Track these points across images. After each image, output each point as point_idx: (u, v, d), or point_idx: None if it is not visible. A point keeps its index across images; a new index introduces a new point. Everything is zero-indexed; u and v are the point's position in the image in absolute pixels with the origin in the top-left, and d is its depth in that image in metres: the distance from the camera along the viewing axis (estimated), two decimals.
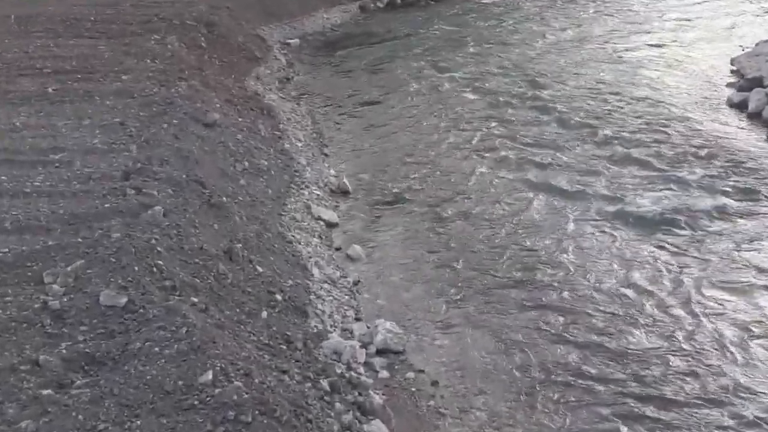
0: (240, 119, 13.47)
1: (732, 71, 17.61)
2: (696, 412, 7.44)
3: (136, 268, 7.24)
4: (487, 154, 13.83)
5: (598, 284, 9.60)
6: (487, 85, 17.78)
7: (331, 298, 9.23)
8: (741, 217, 11.13)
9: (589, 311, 9.05)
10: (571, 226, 11.08)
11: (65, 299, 6.80)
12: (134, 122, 11.25)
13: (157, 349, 6.23)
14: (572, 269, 9.93)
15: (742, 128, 14.44)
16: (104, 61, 14.15)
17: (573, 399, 7.68)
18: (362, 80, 18.88)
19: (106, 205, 8.61)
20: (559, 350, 8.40)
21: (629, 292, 9.40)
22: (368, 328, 8.69)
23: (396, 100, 17.14)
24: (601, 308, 9.10)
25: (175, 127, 11.26)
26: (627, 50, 20.17)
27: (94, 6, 18.65)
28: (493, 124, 15.26)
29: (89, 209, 8.50)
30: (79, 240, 7.77)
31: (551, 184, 12.49)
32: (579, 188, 12.28)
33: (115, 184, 9.19)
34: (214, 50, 16.96)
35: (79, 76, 13.14)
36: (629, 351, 8.33)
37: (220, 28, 18.16)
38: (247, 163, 11.60)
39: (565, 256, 10.28)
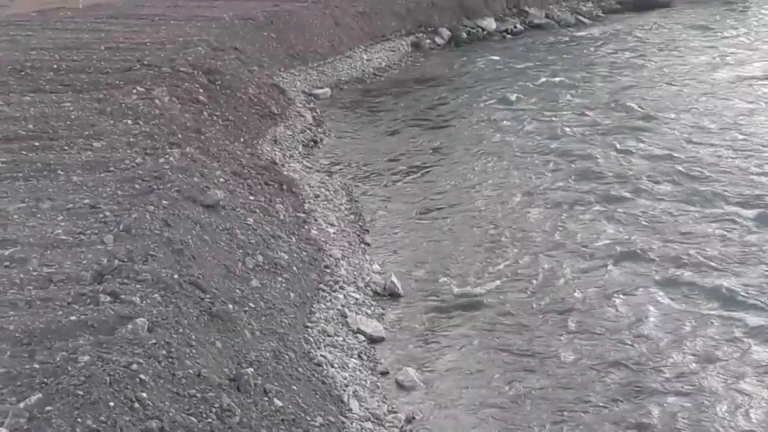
0: (251, 198, 13.63)
1: None
2: None
3: (112, 404, 7.25)
4: (585, 240, 13.86)
5: None
6: (585, 143, 18.00)
7: None
8: None
9: None
10: (721, 356, 10.77)
11: None
12: (110, 204, 11.40)
13: None
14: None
15: None
16: (70, 122, 14.47)
17: None
18: (414, 141, 19.13)
19: (72, 318, 8.66)
20: None
21: None
22: None
23: (458, 166, 17.35)
24: None
25: (165, 210, 11.39)
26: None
27: (58, 50, 19.26)
28: (594, 200, 15.43)
29: (49, 323, 8.57)
30: (35, 366, 7.81)
31: (684, 282, 12.40)
32: (730, 294, 12.12)
33: (84, 288, 9.27)
34: (216, 106, 17.30)
35: (37, 144, 13.42)
36: None
37: (224, 77, 18.57)
38: (260, 258, 11.68)
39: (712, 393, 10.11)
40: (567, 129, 19.62)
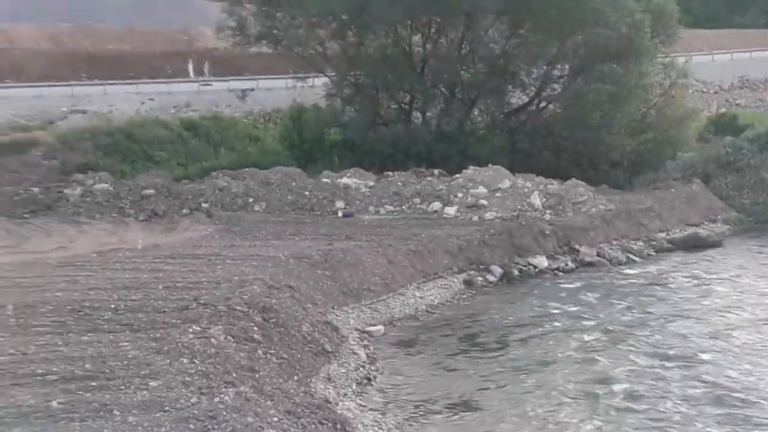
0: None
1: None
2: None
3: None
4: None
5: None
6: (640, 379, 17.87)
7: None
8: None
9: None
10: None
11: None
12: None
13: None
14: None
15: None
16: (127, 362, 14.61)
17: None
18: (467, 376, 19.03)
19: None
20: None
21: None
22: None
23: (512, 399, 17.31)
24: None
25: None
26: None
27: (116, 290, 19.62)
28: None
29: None
30: None
31: None
32: None
33: None
34: (271, 344, 17.36)
35: (94, 384, 13.51)
36: None
37: (279, 315, 18.72)
38: None
39: None
40: (620, 360, 19.55)
